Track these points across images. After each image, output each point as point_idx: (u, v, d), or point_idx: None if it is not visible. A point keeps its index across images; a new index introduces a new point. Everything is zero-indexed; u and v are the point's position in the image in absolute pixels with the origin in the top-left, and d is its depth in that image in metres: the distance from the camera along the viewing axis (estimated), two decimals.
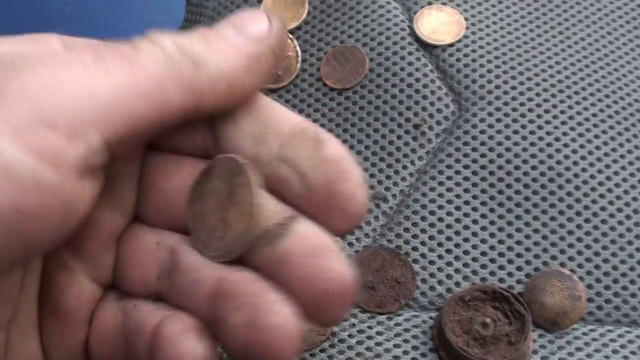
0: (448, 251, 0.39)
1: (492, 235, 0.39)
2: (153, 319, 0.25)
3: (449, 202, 0.40)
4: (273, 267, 0.24)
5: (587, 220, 0.40)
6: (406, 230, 0.40)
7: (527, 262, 0.39)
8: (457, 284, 0.38)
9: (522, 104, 0.42)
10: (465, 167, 0.41)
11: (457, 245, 0.39)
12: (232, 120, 0.26)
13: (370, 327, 0.37)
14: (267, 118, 0.26)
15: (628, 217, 0.40)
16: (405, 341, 0.37)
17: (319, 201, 0.25)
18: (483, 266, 0.39)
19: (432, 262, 0.39)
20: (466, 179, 0.41)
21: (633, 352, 0.37)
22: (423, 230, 0.39)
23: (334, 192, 0.25)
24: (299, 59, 0.45)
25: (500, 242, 0.39)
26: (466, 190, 0.41)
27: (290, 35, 0.45)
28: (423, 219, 0.40)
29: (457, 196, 0.40)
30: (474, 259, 0.39)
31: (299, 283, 0.24)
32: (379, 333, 0.37)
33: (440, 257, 0.39)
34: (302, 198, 0.25)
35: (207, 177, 0.26)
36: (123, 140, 0.23)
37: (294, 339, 0.23)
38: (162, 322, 0.25)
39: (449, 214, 0.40)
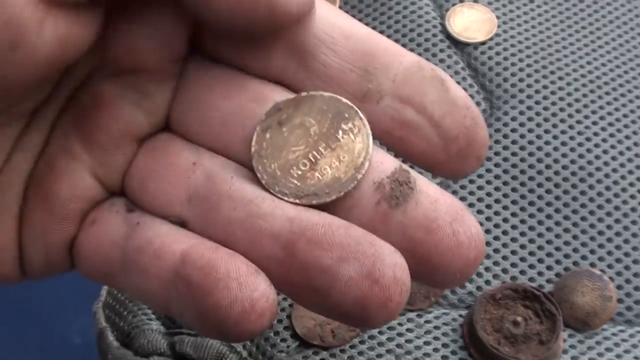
0: None
1: (522, 233, 0.39)
2: (176, 246, 0.22)
3: (480, 200, 0.40)
4: (405, 230, 0.22)
5: (617, 221, 0.40)
6: None
7: (557, 262, 0.39)
8: (487, 282, 0.38)
9: (553, 103, 0.42)
10: (496, 165, 0.41)
11: (487, 244, 0.39)
12: (331, 48, 0.23)
13: (400, 324, 0.37)
14: (374, 49, 0.23)
15: None
16: (436, 338, 0.36)
17: (457, 151, 0.23)
18: (513, 265, 0.39)
19: None
20: (497, 177, 0.41)
21: None
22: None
23: (472, 140, 0.23)
24: None
25: (531, 240, 0.39)
26: (497, 189, 0.40)
27: None
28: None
29: (488, 194, 0.40)
30: (505, 258, 0.39)
31: (444, 251, 0.21)
32: (409, 330, 0.37)
33: None
34: (437, 148, 0.23)
35: (294, 110, 0.23)
36: None
37: (406, 295, 0.21)
38: (214, 256, 0.21)
39: (479, 211, 0.40)
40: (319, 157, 0.23)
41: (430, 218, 0.22)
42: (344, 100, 0.23)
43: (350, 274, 0.21)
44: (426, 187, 0.22)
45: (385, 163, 0.23)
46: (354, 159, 0.22)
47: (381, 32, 0.45)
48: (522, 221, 0.40)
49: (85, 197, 0.25)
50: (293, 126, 0.23)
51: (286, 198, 0.22)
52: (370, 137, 0.23)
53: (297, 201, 0.22)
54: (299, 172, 0.23)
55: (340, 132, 0.23)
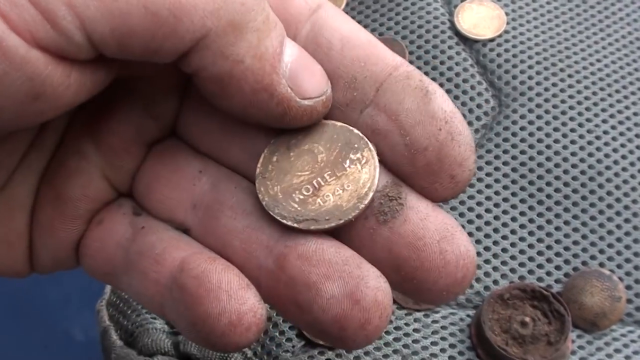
0: (486, 249, 0.38)
1: (531, 233, 0.39)
2: (177, 253, 0.23)
3: (488, 198, 0.40)
4: (391, 247, 0.22)
5: (627, 220, 0.39)
6: None
7: (566, 262, 0.38)
8: (495, 282, 0.38)
9: (563, 101, 0.42)
10: (505, 163, 0.40)
11: (495, 243, 0.39)
12: (326, 53, 0.23)
13: (407, 324, 0.37)
14: (368, 56, 0.23)
15: None
16: (443, 339, 0.36)
17: (424, 165, 0.22)
18: (521, 264, 0.38)
19: None
20: (505, 175, 0.40)
21: None
22: (461, 227, 0.39)
23: (444, 156, 0.22)
24: None
25: (539, 240, 0.39)
26: (505, 187, 0.40)
27: None
28: (461, 215, 0.39)
29: (496, 193, 0.40)
30: (513, 257, 0.38)
31: (430, 269, 0.21)
32: (416, 330, 0.36)
33: (478, 254, 0.38)
34: (403, 158, 0.22)
35: (304, 136, 0.23)
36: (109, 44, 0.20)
37: (386, 320, 0.21)
38: (209, 266, 0.22)
39: (487, 210, 0.39)
40: (323, 183, 0.23)
41: (417, 236, 0.22)
42: (356, 131, 0.23)
43: (333, 292, 0.21)
44: (417, 203, 0.22)
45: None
46: (358, 189, 0.22)
47: (389, 28, 0.45)
48: (531, 220, 0.39)
49: (95, 197, 0.25)
50: (301, 152, 0.23)
51: (284, 221, 0.23)
52: (378, 169, 0.22)
53: (296, 225, 0.22)
54: (301, 197, 0.23)
55: (348, 161, 0.23)
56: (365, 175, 0.22)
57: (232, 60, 0.21)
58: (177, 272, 0.23)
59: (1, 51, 0.19)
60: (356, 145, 0.23)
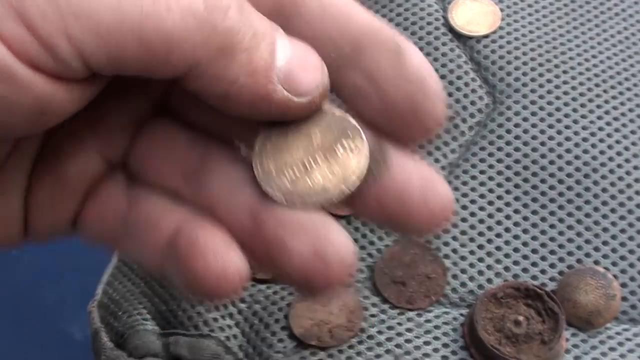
0: (480, 247, 0.38)
1: (525, 231, 0.39)
2: (171, 218, 0.25)
3: (482, 196, 0.39)
4: (379, 201, 0.24)
5: (622, 218, 0.39)
6: None
7: (561, 259, 0.38)
8: (489, 280, 0.38)
9: (557, 98, 0.42)
10: (499, 160, 0.40)
11: (489, 241, 0.38)
12: (303, 17, 0.24)
13: (399, 324, 0.36)
14: (345, 18, 0.24)
15: None
16: (436, 338, 0.36)
17: (398, 117, 0.24)
18: (515, 263, 0.38)
19: (463, 258, 0.38)
20: (500, 173, 0.40)
21: None
22: (455, 225, 0.39)
23: (415, 109, 0.23)
24: None
25: (534, 238, 0.38)
26: (499, 185, 0.40)
27: None
28: (455, 213, 0.39)
29: (490, 190, 0.40)
30: (507, 255, 0.38)
31: (418, 216, 0.24)
32: (408, 330, 0.36)
33: (472, 252, 0.38)
34: (378, 112, 0.24)
35: (304, 121, 0.24)
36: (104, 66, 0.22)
37: (351, 274, 0.23)
38: (199, 231, 0.24)
39: (481, 208, 0.39)
40: (314, 165, 0.24)
41: (404, 189, 0.24)
42: (352, 121, 0.24)
43: (299, 249, 0.23)
44: (400, 159, 0.24)
45: None
46: (345, 175, 0.24)
47: None
48: (525, 218, 0.39)
49: (91, 174, 0.27)
50: (298, 134, 0.24)
51: (274, 197, 0.24)
52: (367, 159, 0.24)
53: (284, 202, 0.24)
54: (292, 176, 0.24)
55: (341, 148, 0.24)
56: (354, 162, 0.24)
57: (227, 82, 0.22)
58: (173, 237, 0.25)
59: (12, 78, 0.21)
60: (350, 134, 0.24)
